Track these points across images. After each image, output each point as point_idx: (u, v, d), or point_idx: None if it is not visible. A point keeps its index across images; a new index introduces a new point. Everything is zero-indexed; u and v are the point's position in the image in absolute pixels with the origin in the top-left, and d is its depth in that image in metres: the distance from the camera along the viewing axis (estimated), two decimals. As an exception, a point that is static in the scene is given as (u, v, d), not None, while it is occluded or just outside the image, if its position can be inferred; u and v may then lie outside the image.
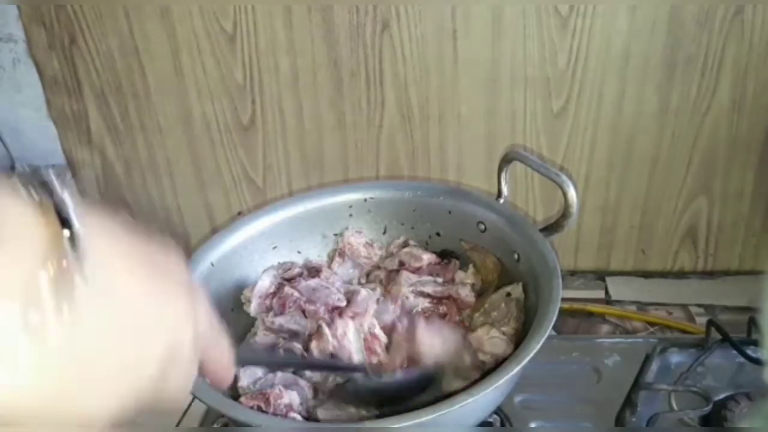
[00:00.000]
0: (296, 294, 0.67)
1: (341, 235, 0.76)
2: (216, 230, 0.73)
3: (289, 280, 0.70)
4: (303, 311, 0.66)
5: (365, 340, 0.62)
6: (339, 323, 0.62)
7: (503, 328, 0.60)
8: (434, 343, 0.58)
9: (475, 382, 0.52)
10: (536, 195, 0.96)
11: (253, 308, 0.68)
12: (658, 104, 0.89)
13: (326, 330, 0.62)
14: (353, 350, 0.61)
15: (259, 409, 0.56)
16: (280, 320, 0.66)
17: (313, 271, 0.72)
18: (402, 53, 0.88)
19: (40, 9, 0.90)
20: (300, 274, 0.71)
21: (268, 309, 0.68)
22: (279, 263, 0.74)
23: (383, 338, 0.62)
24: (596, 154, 0.93)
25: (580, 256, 1.00)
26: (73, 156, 1.00)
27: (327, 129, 0.94)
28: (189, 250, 1.01)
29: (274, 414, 0.56)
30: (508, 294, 0.63)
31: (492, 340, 0.59)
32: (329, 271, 0.72)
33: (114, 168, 1.00)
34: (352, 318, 0.63)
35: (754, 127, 0.90)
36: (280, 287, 0.69)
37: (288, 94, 0.92)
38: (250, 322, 0.70)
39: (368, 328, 0.62)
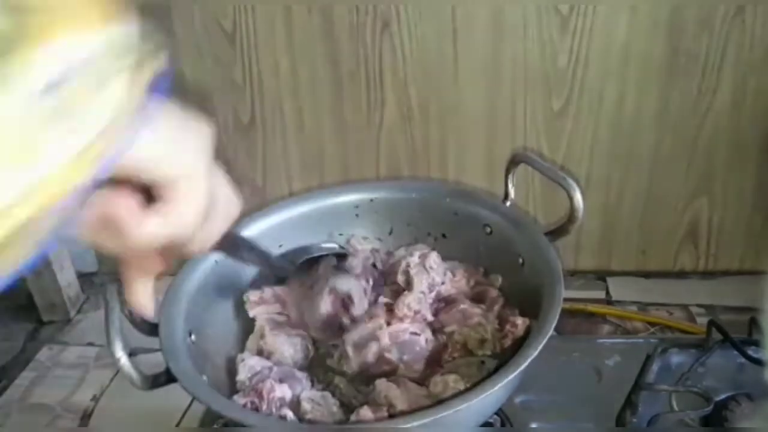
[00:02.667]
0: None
1: (348, 243, 0.76)
2: (216, 230, 0.73)
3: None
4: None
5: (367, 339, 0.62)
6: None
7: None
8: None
9: (475, 384, 0.52)
10: (537, 195, 0.96)
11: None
12: (659, 104, 0.89)
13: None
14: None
15: (253, 404, 0.56)
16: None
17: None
18: (402, 53, 0.88)
19: (40, 9, 0.90)
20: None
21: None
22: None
23: (369, 356, 0.62)
24: (596, 154, 0.93)
25: (581, 256, 1.00)
26: (72, 156, 1.00)
27: (327, 129, 0.94)
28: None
29: (268, 409, 0.56)
30: (482, 362, 0.63)
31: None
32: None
33: (114, 168, 1.00)
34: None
35: (755, 127, 0.90)
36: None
37: (288, 94, 0.92)
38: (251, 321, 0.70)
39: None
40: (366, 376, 0.60)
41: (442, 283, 0.69)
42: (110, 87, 0.29)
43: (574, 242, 0.99)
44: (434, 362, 0.63)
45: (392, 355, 0.61)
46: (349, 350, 0.61)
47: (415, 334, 0.63)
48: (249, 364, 0.64)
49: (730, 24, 0.83)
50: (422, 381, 0.61)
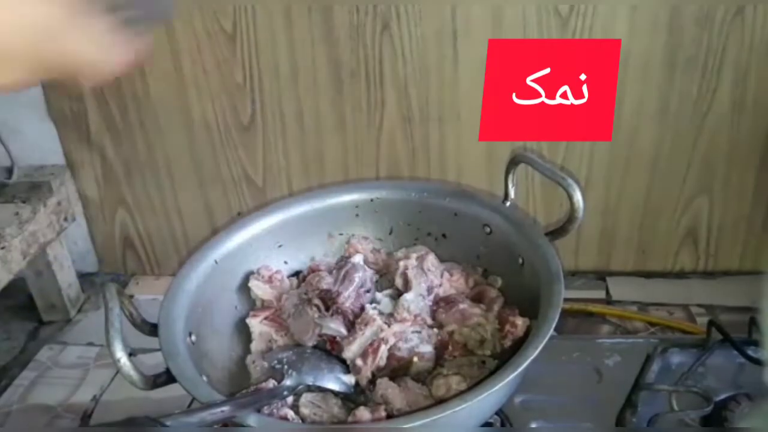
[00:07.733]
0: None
1: (348, 243, 0.76)
2: (216, 230, 0.73)
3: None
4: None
5: (371, 344, 0.61)
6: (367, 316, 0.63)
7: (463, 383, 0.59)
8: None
9: (476, 385, 0.52)
10: (536, 195, 0.95)
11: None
12: (659, 105, 0.89)
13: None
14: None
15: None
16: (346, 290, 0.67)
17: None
18: (402, 53, 0.88)
19: (40, 9, 0.90)
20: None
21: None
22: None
23: (382, 360, 0.61)
24: (596, 155, 0.93)
25: (581, 256, 1.00)
26: (73, 156, 1.00)
27: (327, 129, 0.94)
28: (189, 250, 1.01)
29: (270, 409, 0.56)
30: (482, 362, 0.62)
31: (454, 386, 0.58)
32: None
33: (114, 168, 1.00)
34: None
35: (755, 127, 0.90)
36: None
37: (288, 94, 0.92)
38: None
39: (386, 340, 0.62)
40: (382, 376, 0.60)
41: (440, 285, 0.69)
42: None
43: (574, 242, 0.99)
44: (440, 354, 0.63)
45: (402, 352, 0.61)
46: (358, 362, 0.60)
47: (417, 332, 0.64)
48: (261, 365, 0.64)
49: (730, 24, 0.83)
50: (434, 367, 0.61)
